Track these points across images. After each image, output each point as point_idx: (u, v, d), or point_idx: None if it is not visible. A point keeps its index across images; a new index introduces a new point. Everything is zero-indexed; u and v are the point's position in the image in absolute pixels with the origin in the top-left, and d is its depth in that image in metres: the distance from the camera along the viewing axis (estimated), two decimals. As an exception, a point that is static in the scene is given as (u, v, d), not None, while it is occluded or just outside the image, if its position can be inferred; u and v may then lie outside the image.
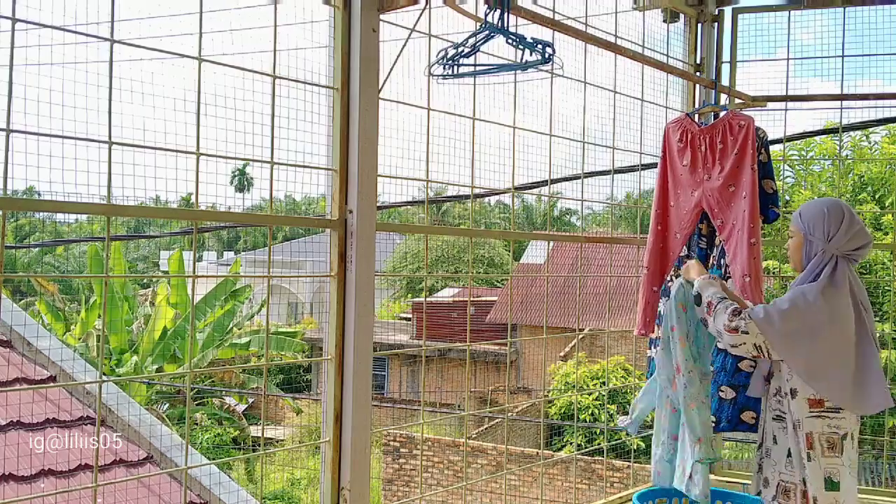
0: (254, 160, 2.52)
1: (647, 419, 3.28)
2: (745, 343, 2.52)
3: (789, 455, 2.57)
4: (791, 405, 2.54)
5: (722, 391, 3.33)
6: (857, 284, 2.60)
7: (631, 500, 3.53)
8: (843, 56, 4.12)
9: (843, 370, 2.51)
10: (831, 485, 2.46)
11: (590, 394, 13.87)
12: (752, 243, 3.40)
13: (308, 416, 16.86)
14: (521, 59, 2.66)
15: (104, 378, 5.19)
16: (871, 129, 10.42)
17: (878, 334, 2.66)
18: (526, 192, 4.30)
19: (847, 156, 10.36)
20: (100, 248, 12.94)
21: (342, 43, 2.61)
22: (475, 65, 2.70)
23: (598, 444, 12.37)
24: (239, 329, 14.49)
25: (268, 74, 2.48)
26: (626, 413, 3.40)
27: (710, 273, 2.80)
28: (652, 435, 3.22)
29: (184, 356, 12.81)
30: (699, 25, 4.23)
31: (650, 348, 3.64)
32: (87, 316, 13.32)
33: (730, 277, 3.45)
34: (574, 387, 13.68)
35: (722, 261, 3.48)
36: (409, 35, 2.74)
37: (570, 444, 13.71)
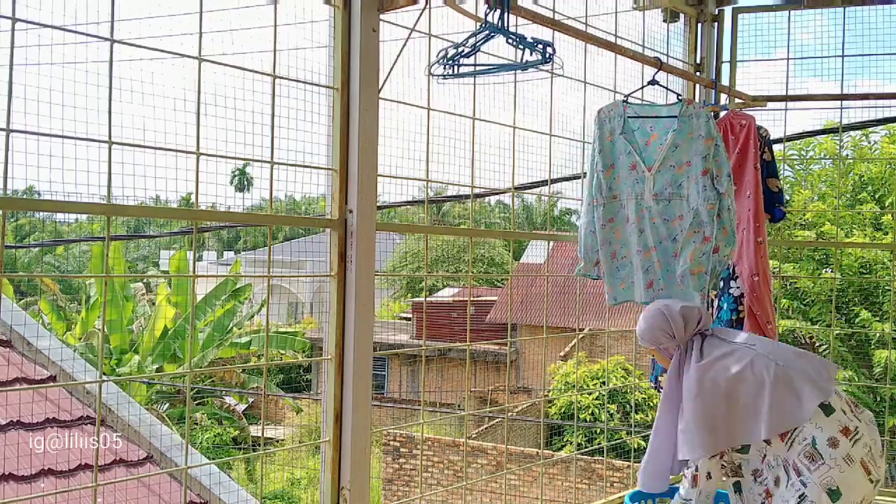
0: (254, 160, 2.52)
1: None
2: (708, 472, 2.56)
3: None
4: (778, 452, 2.50)
5: None
6: (724, 334, 2.73)
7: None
8: (843, 56, 4.11)
9: (760, 398, 2.50)
10: (834, 495, 2.37)
11: (590, 393, 13.87)
12: (759, 242, 3.40)
13: (308, 415, 16.86)
14: (521, 58, 2.66)
15: (104, 378, 5.19)
16: (870, 129, 10.40)
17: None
18: (526, 192, 4.30)
19: (847, 155, 10.36)
20: (102, 248, 12.95)
21: (342, 43, 2.61)
22: (475, 65, 2.70)
23: (598, 443, 12.37)
24: (239, 329, 14.49)
25: (268, 74, 2.48)
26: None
27: None
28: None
29: (184, 356, 12.81)
30: (699, 25, 4.23)
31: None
32: (88, 315, 13.32)
33: (738, 277, 3.45)
34: (574, 387, 13.68)
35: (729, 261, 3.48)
36: (409, 35, 2.74)
37: (570, 443, 13.71)
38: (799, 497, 2.42)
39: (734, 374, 2.55)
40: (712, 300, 3.56)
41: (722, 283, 3.48)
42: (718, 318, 3.51)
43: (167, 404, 13.94)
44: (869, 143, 11.20)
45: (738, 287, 3.47)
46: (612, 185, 3.20)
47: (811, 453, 2.43)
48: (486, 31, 2.63)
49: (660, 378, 3.61)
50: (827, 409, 2.47)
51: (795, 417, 2.46)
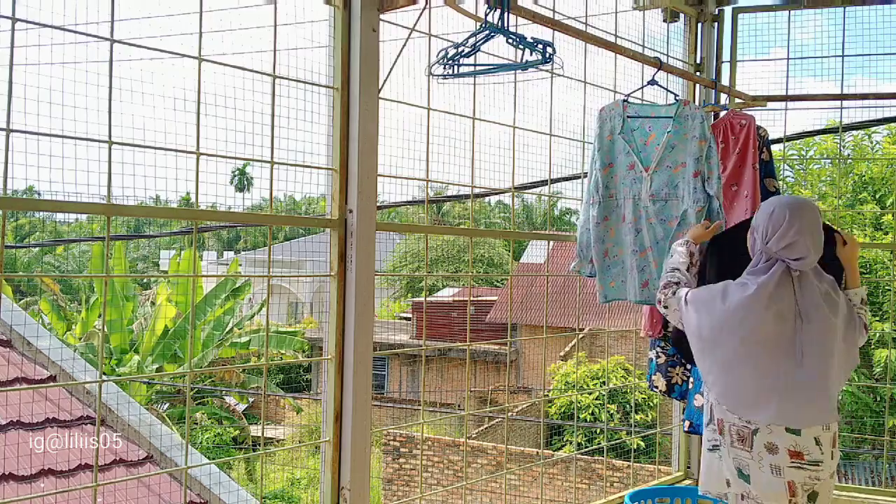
0: (254, 160, 2.52)
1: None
2: (669, 317, 2.69)
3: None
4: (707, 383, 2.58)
5: (696, 399, 3.39)
6: (800, 290, 2.46)
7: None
8: (842, 56, 4.12)
9: (744, 372, 2.43)
10: (742, 475, 2.47)
11: (590, 393, 13.87)
12: (755, 242, 3.41)
13: (308, 415, 16.86)
14: (522, 58, 2.66)
15: (104, 378, 5.19)
16: (872, 129, 10.40)
17: (822, 344, 2.47)
18: (526, 191, 4.30)
19: (847, 155, 10.36)
20: (103, 248, 12.95)
21: (342, 43, 2.61)
22: (475, 64, 2.70)
23: (598, 443, 12.36)
24: (239, 329, 14.49)
25: (268, 74, 2.48)
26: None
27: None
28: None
29: (184, 356, 12.81)
30: (699, 25, 4.23)
31: (651, 350, 3.65)
32: (88, 315, 13.32)
33: None
34: (574, 386, 13.68)
35: None
36: (409, 35, 2.74)
37: (570, 443, 13.71)
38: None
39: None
40: None
41: None
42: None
43: (167, 404, 13.94)
44: (871, 142, 11.20)
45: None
46: (608, 184, 3.22)
47: (744, 436, 2.44)
48: (486, 31, 2.63)
49: (653, 378, 3.62)
50: (795, 431, 2.41)
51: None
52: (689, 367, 3.51)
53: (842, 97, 4.14)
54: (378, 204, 2.72)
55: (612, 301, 3.29)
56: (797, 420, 2.40)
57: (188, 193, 2.67)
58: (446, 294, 23.13)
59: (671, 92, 3.38)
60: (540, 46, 2.64)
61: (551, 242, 4.00)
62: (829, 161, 11.00)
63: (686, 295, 2.60)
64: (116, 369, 12.69)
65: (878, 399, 10.41)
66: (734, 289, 2.50)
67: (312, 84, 2.62)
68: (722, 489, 2.55)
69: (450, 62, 2.65)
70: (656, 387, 3.60)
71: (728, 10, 4.25)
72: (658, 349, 3.59)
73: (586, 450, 12.44)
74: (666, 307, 2.65)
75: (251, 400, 17.57)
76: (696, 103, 4.06)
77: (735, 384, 2.46)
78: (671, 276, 2.70)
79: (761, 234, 2.50)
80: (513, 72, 2.84)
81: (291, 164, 2.63)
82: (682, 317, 2.59)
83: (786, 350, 2.43)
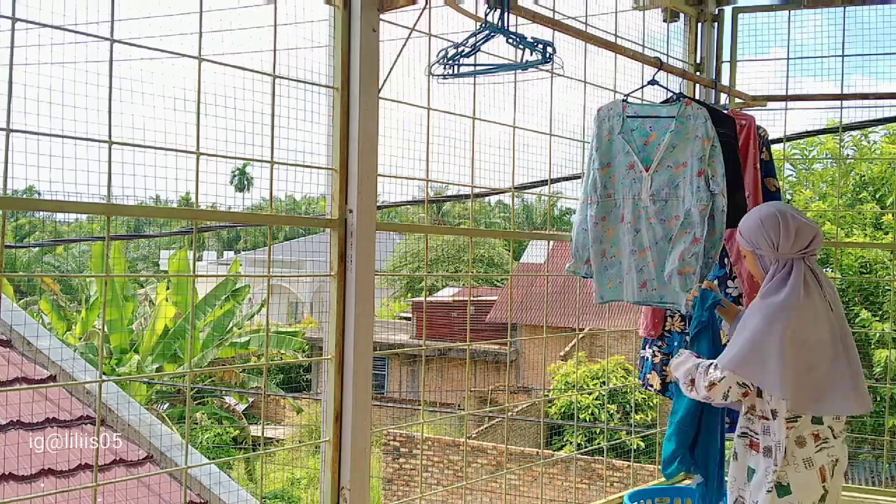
0: (254, 160, 2.52)
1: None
2: (729, 387, 2.44)
3: (747, 474, 2.53)
4: (773, 427, 2.46)
5: None
6: (825, 282, 2.50)
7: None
8: (842, 56, 4.12)
9: (811, 375, 2.41)
10: (781, 490, 2.40)
11: (590, 393, 13.87)
12: (757, 242, 3.40)
13: (308, 415, 16.86)
14: (521, 58, 2.66)
15: (104, 378, 5.19)
16: (870, 129, 10.40)
17: (849, 333, 2.51)
18: (526, 191, 4.30)
19: (849, 155, 10.36)
20: (103, 247, 12.95)
21: (342, 42, 2.61)
22: (475, 64, 2.70)
23: (598, 443, 12.36)
24: (239, 328, 14.49)
25: (268, 74, 2.48)
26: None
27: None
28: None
29: (184, 356, 12.81)
30: (699, 25, 4.23)
31: (646, 348, 3.65)
32: (88, 315, 13.32)
33: (735, 277, 3.45)
34: (574, 386, 13.68)
35: (726, 260, 3.48)
36: (409, 35, 2.74)
37: (570, 443, 13.72)
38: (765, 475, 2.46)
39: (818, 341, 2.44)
40: None
41: (717, 282, 3.48)
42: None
43: (167, 404, 13.94)
44: (868, 143, 11.19)
45: (736, 287, 3.47)
46: (606, 184, 3.21)
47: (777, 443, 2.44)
48: (486, 31, 2.63)
49: (648, 376, 3.62)
50: (818, 420, 2.46)
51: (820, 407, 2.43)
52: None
53: (842, 97, 4.14)
54: (378, 204, 2.72)
55: (609, 302, 3.28)
56: (860, 406, 2.44)
57: (188, 193, 2.67)
58: (446, 294, 23.13)
59: (672, 91, 3.37)
60: (540, 46, 2.64)
61: (551, 242, 4.00)
62: (831, 161, 10.99)
63: (731, 350, 2.46)
64: (116, 369, 12.69)
65: (878, 399, 10.40)
66: (778, 305, 2.43)
67: (312, 84, 2.62)
68: None
69: (450, 62, 2.65)
70: (651, 385, 3.60)
71: (728, 9, 4.25)
72: (655, 348, 3.58)
73: (586, 450, 12.44)
74: (723, 377, 2.44)
75: (251, 400, 17.57)
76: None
77: (805, 386, 2.41)
78: (702, 365, 2.53)
79: (768, 246, 2.49)
80: (513, 72, 2.84)
81: (291, 164, 2.63)
82: (740, 368, 2.43)
83: (835, 341, 2.45)
